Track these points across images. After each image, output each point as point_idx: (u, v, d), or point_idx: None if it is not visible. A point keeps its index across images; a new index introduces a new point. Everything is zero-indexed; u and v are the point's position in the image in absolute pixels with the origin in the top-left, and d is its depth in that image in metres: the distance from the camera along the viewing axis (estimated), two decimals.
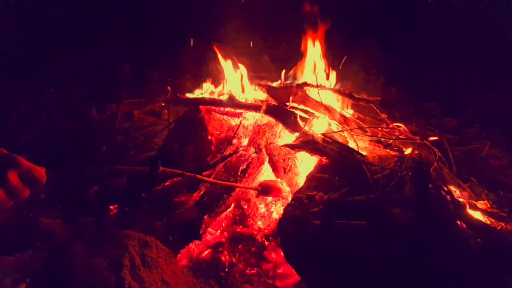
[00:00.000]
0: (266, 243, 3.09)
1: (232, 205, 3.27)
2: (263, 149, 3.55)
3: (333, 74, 4.22)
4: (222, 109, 3.95)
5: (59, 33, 7.97)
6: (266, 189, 3.12)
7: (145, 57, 7.37)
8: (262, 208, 3.40)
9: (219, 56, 4.07)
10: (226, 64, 4.09)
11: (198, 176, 2.69)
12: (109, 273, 2.19)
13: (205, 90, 4.33)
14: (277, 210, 3.36)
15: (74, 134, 4.80)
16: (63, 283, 2.20)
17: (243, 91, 4.06)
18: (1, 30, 8.16)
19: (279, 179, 3.40)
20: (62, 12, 8.66)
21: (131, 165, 3.93)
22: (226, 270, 2.86)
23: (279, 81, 4.35)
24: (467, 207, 3.18)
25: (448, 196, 2.90)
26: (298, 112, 3.71)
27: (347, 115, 3.88)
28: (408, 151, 3.32)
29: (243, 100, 3.93)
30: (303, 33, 4.30)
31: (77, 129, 4.95)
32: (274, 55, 6.76)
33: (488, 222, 3.18)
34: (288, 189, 3.46)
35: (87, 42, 7.86)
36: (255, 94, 4.13)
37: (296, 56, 4.45)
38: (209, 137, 3.78)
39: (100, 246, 2.35)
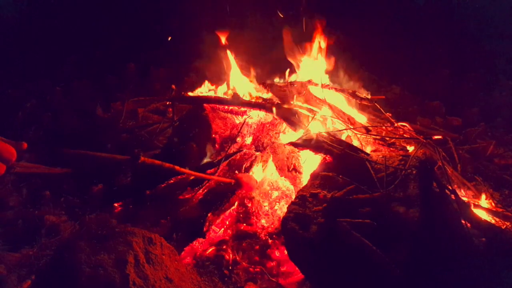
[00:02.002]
0: (270, 241, 3.10)
1: (236, 203, 3.28)
2: (267, 148, 3.56)
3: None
4: (226, 107, 3.96)
5: (65, 32, 7.99)
6: (238, 183, 3.20)
7: (150, 56, 7.38)
8: (265, 206, 3.40)
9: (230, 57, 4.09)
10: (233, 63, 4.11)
11: (176, 167, 2.69)
12: (114, 269, 2.21)
13: (210, 89, 4.34)
14: (280, 208, 3.36)
15: (79, 132, 4.82)
16: (68, 279, 2.21)
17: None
18: (7, 28, 8.19)
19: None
20: (68, 11, 8.68)
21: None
22: (230, 268, 2.87)
23: (283, 80, 4.35)
24: (472, 206, 3.18)
25: (453, 195, 2.89)
26: (302, 111, 3.71)
27: (352, 114, 3.88)
28: (412, 150, 3.32)
29: (247, 99, 3.94)
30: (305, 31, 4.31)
31: (82, 127, 4.96)
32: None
33: (493, 221, 3.18)
34: (291, 187, 3.47)
35: (93, 40, 7.88)
36: (259, 92, 4.14)
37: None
38: (213, 135, 3.79)
39: (105, 243, 2.37)
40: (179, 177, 3.40)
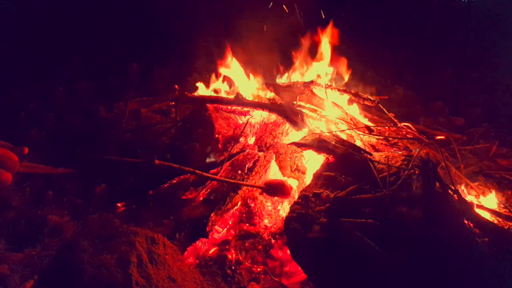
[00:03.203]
0: (273, 241, 3.10)
1: (239, 203, 3.28)
2: (270, 148, 3.56)
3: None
4: (229, 107, 3.96)
5: (68, 32, 8.01)
6: (271, 189, 2.88)
7: (153, 56, 7.39)
8: (269, 206, 3.40)
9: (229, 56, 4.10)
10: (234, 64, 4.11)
11: (196, 171, 2.68)
12: (117, 269, 2.21)
13: (213, 89, 4.34)
14: (283, 208, 3.36)
15: (83, 132, 4.82)
16: (71, 279, 2.22)
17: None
18: (11, 29, 8.21)
19: (285, 178, 3.40)
20: (71, 11, 8.70)
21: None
22: (233, 267, 2.87)
23: (286, 80, 4.35)
24: (475, 206, 3.17)
25: (455, 195, 2.88)
26: (305, 111, 3.71)
27: (354, 114, 3.88)
28: (415, 150, 3.31)
29: (250, 99, 3.94)
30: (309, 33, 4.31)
31: (85, 127, 4.97)
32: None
33: (496, 221, 3.17)
34: (294, 187, 3.46)
35: (96, 40, 7.90)
36: (262, 92, 4.14)
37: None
38: (216, 135, 3.79)
39: (108, 243, 2.37)
40: (181, 177, 3.40)
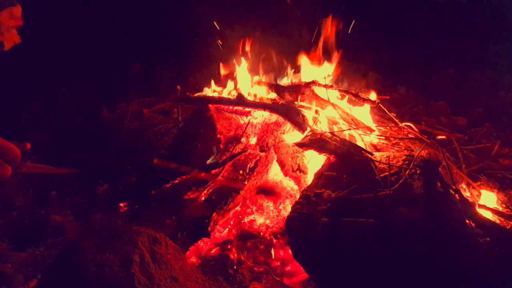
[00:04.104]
0: (274, 240, 3.11)
1: (241, 203, 3.29)
2: (272, 148, 3.57)
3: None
4: (231, 107, 3.97)
5: (70, 33, 8.02)
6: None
7: (155, 56, 7.41)
8: (270, 206, 3.41)
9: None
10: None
11: (193, 171, 2.69)
12: (119, 268, 2.22)
13: (214, 89, 4.35)
14: (285, 208, 3.37)
15: (85, 133, 4.84)
16: (74, 278, 2.23)
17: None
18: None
19: (287, 178, 3.40)
20: (72, 12, 8.72)
21: (140, 163, 3.95)
22: (235, 267, 2.88)
23: (287, 80, 4.36)
24: (476, 206, 3.18)
25: (457, 195, 2.89)
26: (307, 111, 3.72)
27: (355, 114, 3.88)
28: (416, 150, 3.32)
29: (251, 99, 3.95)
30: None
31: (87, 128, 4.98)
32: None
33: (497, 221, 3.17)
34: (296, 187, 3.47)
35: (98, 41, 7.91)
36: (263, 93, 4.15)
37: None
38: (218, 136, 3.80)
39: (111, 243, 2.38)
40: (184, 177, 3.42)
